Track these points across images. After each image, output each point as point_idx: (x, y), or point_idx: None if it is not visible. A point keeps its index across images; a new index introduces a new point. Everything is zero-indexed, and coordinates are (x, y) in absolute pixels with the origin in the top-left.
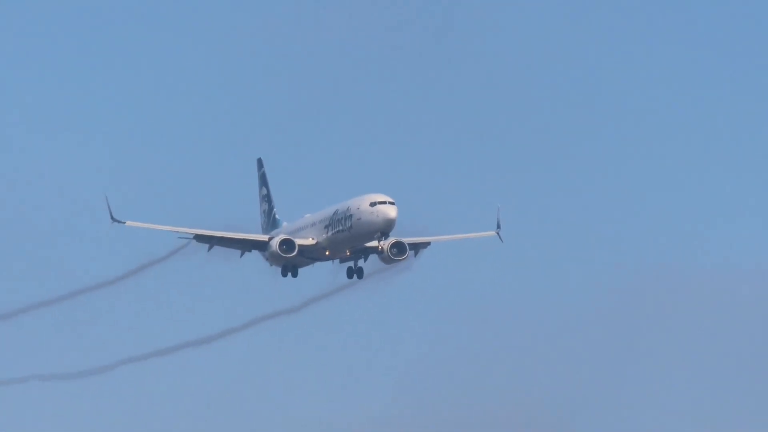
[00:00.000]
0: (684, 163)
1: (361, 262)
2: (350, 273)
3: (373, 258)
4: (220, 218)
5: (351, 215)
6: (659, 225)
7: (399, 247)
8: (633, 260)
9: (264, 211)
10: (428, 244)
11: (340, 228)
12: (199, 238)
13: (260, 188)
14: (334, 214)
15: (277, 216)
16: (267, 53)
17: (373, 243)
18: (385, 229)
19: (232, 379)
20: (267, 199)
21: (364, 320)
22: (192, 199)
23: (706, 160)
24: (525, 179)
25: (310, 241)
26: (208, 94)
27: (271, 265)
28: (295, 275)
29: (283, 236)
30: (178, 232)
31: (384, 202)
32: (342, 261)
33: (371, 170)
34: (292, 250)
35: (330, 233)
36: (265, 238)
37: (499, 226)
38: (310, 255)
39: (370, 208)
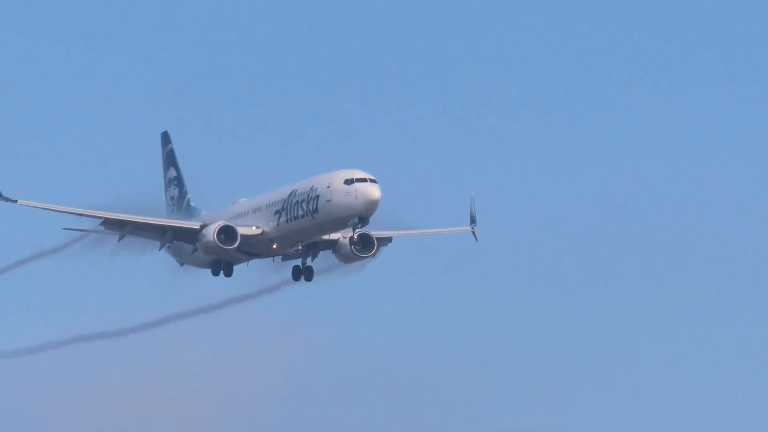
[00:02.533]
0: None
1: (309, 260)
2: (297, 273)
3: (324, 254)
4: (116, 204)
5: (317, 196)
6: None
7: (364, 242)
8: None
9: (172, 198)
10: (390, 239)
11: (300, 213)
12: (110, 223)
13: (166, 169)
14: (290, 195)
15: (192, 203)
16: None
17: (336, 234)
18: (365, 213)
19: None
20: (176, 182)
21: (308, 328)
22: (79, 180)
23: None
24: (504, 169)
25: (253, 231)
26: (107, 56)
27: (181, 264)
28: (229, 274)
29: (222, 223)
30: (82, 215)
31: (364, 180)
32: (285, 258)
33: (310, 151)
34: (233, 241)
35: (283, 220)
36: (195, 225)
37: (473, 221)
38: (251, 249)
39: (345, 187)
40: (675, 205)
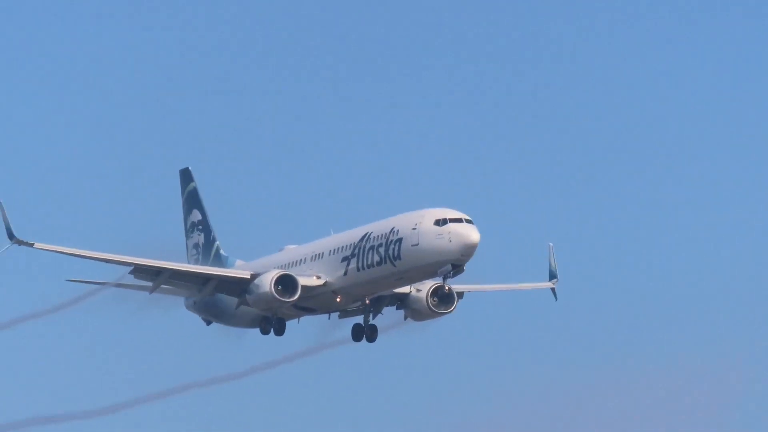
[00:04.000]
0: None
1: (371, 318)
2: (358, 332)
3: (388, 311)
4: (131, 251)
5: (399, 240)
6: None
7: (442, 295)
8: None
9: (196, 245)
10: (461, 295)
11: (376, 260)
12: (142, 272)
13: (187, 212)
14: (363, 239)
15: (222, 252)
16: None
17: (406, 288)
18: (460, 260)
19: None
20: (201, 227)
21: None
22: (83, 224)
23: None
24: (591, 215)
25: (315, 281)
26: (121, 91)
27: (209, 323)
28: (281, 332)
29: (279, 271)
30: (110, 262)
31: (459, 220)
32: (343, 315)
33: (361, 191)
34: (293, 293)
35: (353, 268)
36: (245, 274)
37: (554, 276)
38: (309, 302)
39: (436, 228)
40: None
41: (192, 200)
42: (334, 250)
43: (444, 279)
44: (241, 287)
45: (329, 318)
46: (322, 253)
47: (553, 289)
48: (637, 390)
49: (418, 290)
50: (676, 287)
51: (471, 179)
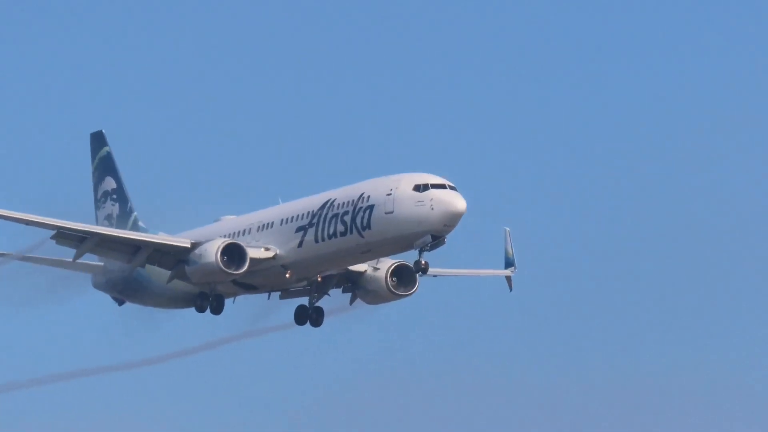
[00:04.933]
0: None
1: (316, 299)
2: (302, 315)
3: (334, 294)
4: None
5: (370, 207)
6: None
7: (402, 275)
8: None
9: (109, 216)
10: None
11: (340, 230)
12: (65, 237)
13: (99, 179)
14: (323, 207)
15: (141, 223)
16: None
17: (362, 266)
18: (442, 230)
19: None
20: (116, 196)
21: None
22: None
23: None
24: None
25: (263, 253)
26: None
27: (121, 303)
28: (219, 310)
29: (226, 240)
30: (31, 223)
31: (443, 186)
32: (284, 296)
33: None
34: (241, 264)
35: (310, 239)
36: (186, 243)
37: (511, 264)
38: (252, 279)
39: (416, 194)
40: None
41: (105, 166)
42: (288, 219)
43: (420, 252)
44: (177, 258)
45: (269, 298)
46: (272, 223)
47: (508, 278)
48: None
49: (376, 269)
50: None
51: (428, 154)
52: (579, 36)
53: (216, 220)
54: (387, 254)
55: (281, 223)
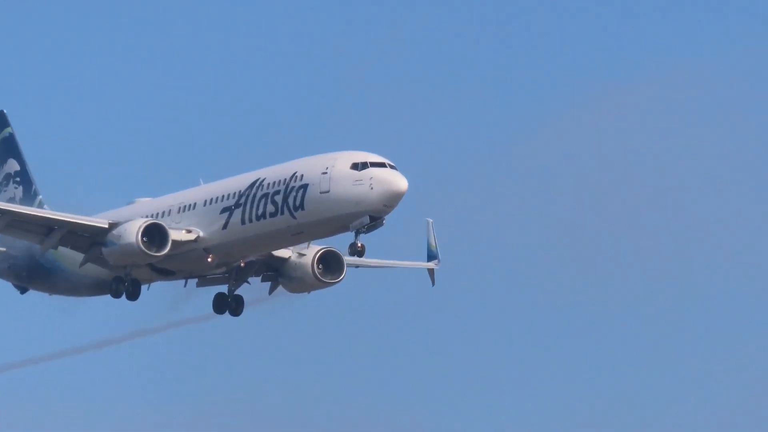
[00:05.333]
0: None
1: (235, 287)
2: (221, 304)
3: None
4: None
5: (304, 186)
6: None
7: (328, 262)
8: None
9: (11, 200)
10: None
11: (270, 210)
12: None
13: (1, 162)
14: (251, 186)
15: (47, 207)
16: None
17: (286, 252)
18: (382, 211)
19: None
20: (19, 178)
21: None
22: None
23: None
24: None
25: (185, 236)
26: None
27: (23, 291)
28: (135, 296)
29: (147, 220)
30: None
31: (382, 164)
32: (202, 283)
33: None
34: (162, 245)
35: (236, 221)
36: (104, 223)
37: (434, 257)
38: (171, 263)
39: (354, 173)
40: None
41: (7, 148)
42: (212, 199)
43: (356, 234)
44: (93, 239)
45: (185, 285)
46: (194, 204)
47: (431, 271)
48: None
49: (301, 255)
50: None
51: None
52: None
53: (130, 203)
54: (320, 236)
55: (204, 204)
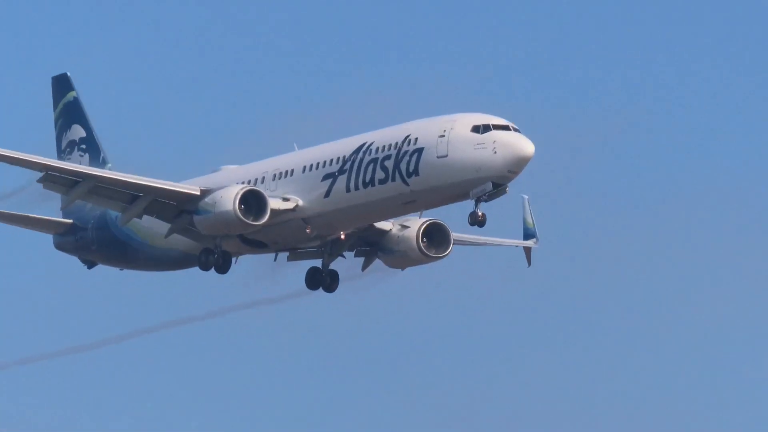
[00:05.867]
0: None
1: (330, 261)
2: (315, 279)
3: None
4: None
5: (419, 150)
6: None
7: (433, 235)
8: None
9: None
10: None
11: (380, 177)
12: (54, 181)
13: (64, 128)
14: (358, 151)
15: None
16: None
17: (386, 224)
18: (507, 177)
19: None
20: (86, 145)
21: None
22: None
23: None
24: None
25: (283, 204)
26: None
27: (87, 264)
28: (225, 269)
29: (245, 186)
30: (12, 161)
31: (506, 128)
32: (293, 257)
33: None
34: (261, 214)
35: (340, 188)
36: (195, 189)
37: (532, 235)
38: (263, 235)
39: (476, 136)
40: None
41: (71, 113)
42: (313, 165)
43: (477, 203)
44: (182, 207)
45: (275, 259)
46: (291, 170)
47: (527, 251)
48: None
49: (404, 227)
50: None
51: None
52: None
53: (215, 170)
54: (434, 205)
55: (303, 171)
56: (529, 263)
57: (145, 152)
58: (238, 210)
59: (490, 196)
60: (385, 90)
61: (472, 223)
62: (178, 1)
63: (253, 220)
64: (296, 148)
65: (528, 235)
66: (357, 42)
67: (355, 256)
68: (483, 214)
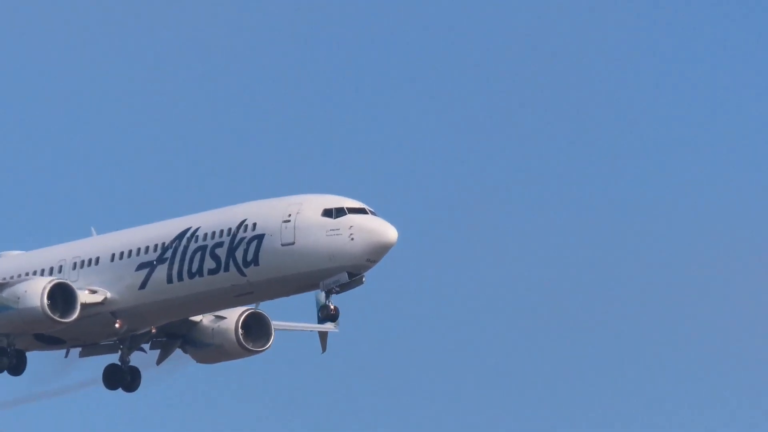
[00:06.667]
0: None
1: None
2: (114, 377)
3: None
4: None
5: (258, 237)
6: None
7: (251, 327)
8: None
9: None
10: None
11: (209, 267)
12: None
13: None
14: (181, 237)
15: None
16: None
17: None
18: (365, 266)
19: None
20: None
21: None
22: None
23: None
24: None
25: (90, 297)
26: None
27: None
28: (20, 370)
29: (54, 279)
30: None
31: (362, 211)
32: (86, 352)
33: None
34: (70, 311)
35: (160, 278)
36: None
37: (328, 318)
38: (70, 329)
39: (328, 221)
40: None
41: None
42: (124, 252)
43: (328, 295)
44: None
45: (67, 355)
46: (97, 258)
47: (322, 335)
48: None
49: (219, 318)
50: None
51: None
52: None
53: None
54: (274, 297)
55: (112, 259)
56: (323, 349)
57: None
58: (46, 306)
59: (344, 287)
60: None
61: (323, 319)
62: None
63: (60, 317)
64: (94, 232)
65: (326, 317)
66: None
67: (151, 348)
68: (335, 307)
